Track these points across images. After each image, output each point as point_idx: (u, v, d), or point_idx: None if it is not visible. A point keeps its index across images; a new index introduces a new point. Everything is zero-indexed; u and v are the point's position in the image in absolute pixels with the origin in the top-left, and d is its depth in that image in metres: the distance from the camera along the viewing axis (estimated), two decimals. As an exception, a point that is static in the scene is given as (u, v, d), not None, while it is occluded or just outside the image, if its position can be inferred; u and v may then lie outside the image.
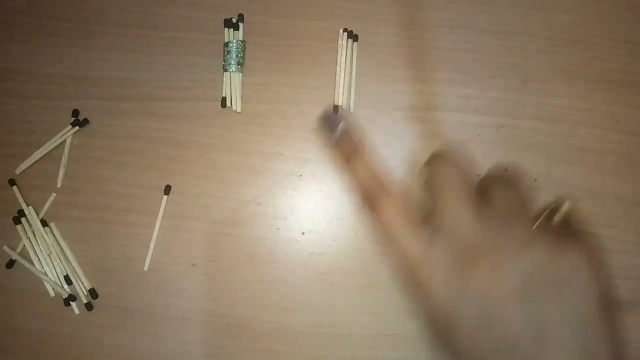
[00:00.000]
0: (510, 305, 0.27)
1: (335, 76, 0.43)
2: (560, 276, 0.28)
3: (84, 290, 0.41)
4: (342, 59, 0.43)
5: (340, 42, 0.43)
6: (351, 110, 0.43)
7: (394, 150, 0.42)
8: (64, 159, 0.43)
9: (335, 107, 0.42)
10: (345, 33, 0.43)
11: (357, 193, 0.33)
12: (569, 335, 0.27)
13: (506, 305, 0.28)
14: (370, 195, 0.33)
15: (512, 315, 0.27)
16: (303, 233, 0.42)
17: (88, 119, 0.43)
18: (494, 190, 0.33)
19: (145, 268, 0.41)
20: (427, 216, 0.33)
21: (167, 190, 0.42)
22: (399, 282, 0.32)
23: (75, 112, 0.43)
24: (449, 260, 0.29)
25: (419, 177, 0.33)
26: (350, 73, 0.43)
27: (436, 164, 0.33)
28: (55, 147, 0.43)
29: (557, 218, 0.34)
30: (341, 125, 0.34)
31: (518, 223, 0.31)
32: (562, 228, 0.34)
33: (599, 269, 0.29)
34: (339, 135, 0.34)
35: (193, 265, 0.41)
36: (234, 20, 0.44)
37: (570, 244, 0.30)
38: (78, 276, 0.42)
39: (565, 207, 0.33)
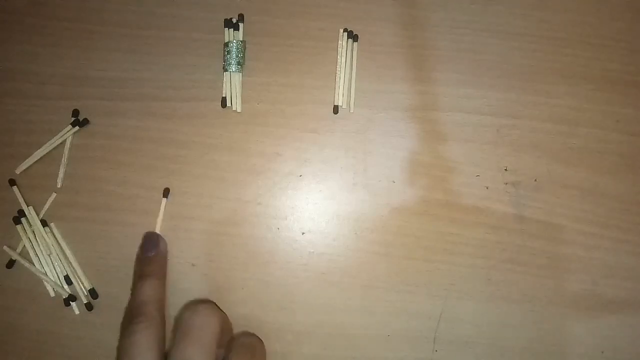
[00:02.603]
0: None
1: (335, 76, 0.43)
2: None
3: (84, 290, 0.41)
4: (342, 59, 0.43)
5: (340, 42, 0.43)
6: (351, 111, 0.43)
7: (394, 150, 0.42)
8: (64, 159, 0.43)
9: (335, 107, 0.42)
10: (346, 33, 0.43)
11: (128, 307, 0.35)
12: None
13: None
14: (136, 314, 0.35)
15: None
16: (303, 233, 0.42)
17: (88, 119, 0.43)
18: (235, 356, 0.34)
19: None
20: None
21: (166, 193, 0.42)
22: None
23: (75, 112, 0.43)
24: None
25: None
26: (350, 73, 0.43)
27: (197, 307, 0.34)
28: (55, 147, 0.43)
29: None
30: (159, 247, 0.38)
31: None
32: None
33: None
34: (151, 255, 0.37)
35: (193, 265, 0.41)
36: (234, 20, 0.44)
37: None
38: (78, 276, 0.42)
39: None
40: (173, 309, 0.41)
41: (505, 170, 0.42)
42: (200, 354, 0.32)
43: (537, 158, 0.41)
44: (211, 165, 0.42)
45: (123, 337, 0.33)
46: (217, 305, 0.35)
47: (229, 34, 0.43)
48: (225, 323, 0.34)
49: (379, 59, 0.43)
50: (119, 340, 0.33)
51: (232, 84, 0.43)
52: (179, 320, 0.35)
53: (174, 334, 0.34)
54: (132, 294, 0.36)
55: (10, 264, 0.42)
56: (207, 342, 0.33)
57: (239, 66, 0.43)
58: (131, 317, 0.34)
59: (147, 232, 0.38)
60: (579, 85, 0.43)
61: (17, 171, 0.43)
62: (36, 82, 0.44)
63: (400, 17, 0.44)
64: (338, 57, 0.43)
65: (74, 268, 0.42)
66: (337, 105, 0.42)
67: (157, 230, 0.41)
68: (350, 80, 0.43)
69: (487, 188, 0.42)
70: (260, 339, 0.37)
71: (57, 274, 0.42)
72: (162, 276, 0.37)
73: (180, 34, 0.44)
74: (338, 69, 0.43)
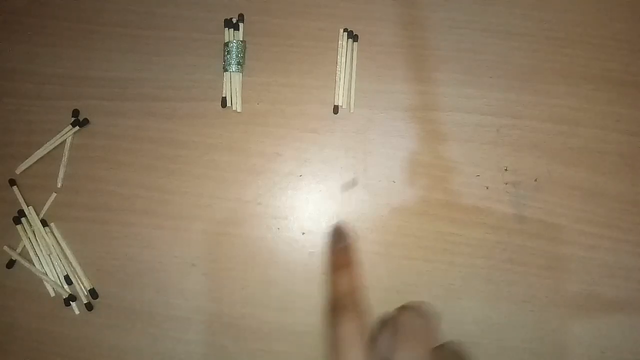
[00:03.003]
0: None
1: (335, 76, 0.43)
2: None
3: (84, 290, 0.41)
4: (342, 59, 0.43)
5: (340, 42, 0.43)
6: (351, 111, 0.43)
7: (394, 150, 0.42)
8: (64, 159, 0.43)
9: (335, 107, 0.42)
10: (346, 33, 0.43)
11: (329, 300, 0.35)
12: None
13: None
14: (340, 306, 0.35)
15: None
16: (303, 233, 0.42)
17: (88, 119, 0.43)
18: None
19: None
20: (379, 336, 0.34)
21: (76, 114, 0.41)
22: None
23: (76, 112, 0.43)
24: None
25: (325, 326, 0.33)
26: (350, 73, 0.43)
27: (342, 317, 0.34)
28: (56, 147, 0.43)
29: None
30: (348, 239, 0.37)
31: None
32: None
33: None
34: (342, 247, 0.37)
35: (193, 265, 0.41)
36: (234, 21, 0.44)
37: None
38: (78, 276, 0.42)
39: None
40: (174, 309, 0.41)
41: (505, 170, 0.42)
42: (425, 357, 0.32)
43: (537, 158, 0.41)
44: (211, 165, 0.42)
45: (332, 326, 0.33)
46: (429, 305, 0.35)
47: (229, 34, 0.43)
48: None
49: (379, 59, 0.43)
50: (327, 331, 0.33)
51: (232, 84, 0.43)
52: (397, 322, 0.34)
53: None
54: (330, 286, 0.36)
55: (11, 264, 0.42)
56: (430, 345, 0.33)
57: (239, 66, 0.43)
58: (336, 309, 0.34)
59: (335, 224, 0.38)
60: (579, 85, 0.43)
61: (17, 171, 0.43)
62: (36, 82, 0.44)
63: (401, 17, 0.44)
64: (338, 57, 0.43)
65: (74, 268, 0.42)
66: (337, 105, 0.42)
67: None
68: (350, 80, 0.43)
69: (487, 188, 0.42)
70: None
71: (57, 274, 0.42)
72: (356, 264, 0.37)
73: (180, 34, 0.44)
74: (338, 69, 0.43)
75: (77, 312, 0.41)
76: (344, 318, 0.33)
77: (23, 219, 0.42)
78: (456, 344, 0.36)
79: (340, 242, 0.38)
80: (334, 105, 0.42)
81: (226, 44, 0.43)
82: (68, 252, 0.42)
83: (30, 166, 0.43)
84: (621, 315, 0.40)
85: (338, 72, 0.42)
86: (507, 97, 0.42)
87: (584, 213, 0.41)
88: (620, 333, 0.40)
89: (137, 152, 0.43)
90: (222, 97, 0.43)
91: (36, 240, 0.42)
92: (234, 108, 0.43)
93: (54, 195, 0.43)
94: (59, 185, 0.43)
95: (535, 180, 0.41)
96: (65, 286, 0.41)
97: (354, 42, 0.43)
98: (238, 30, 0.43)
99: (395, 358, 0.32)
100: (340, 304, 0.34)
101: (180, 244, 0.42)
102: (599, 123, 0.42)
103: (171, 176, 0.42)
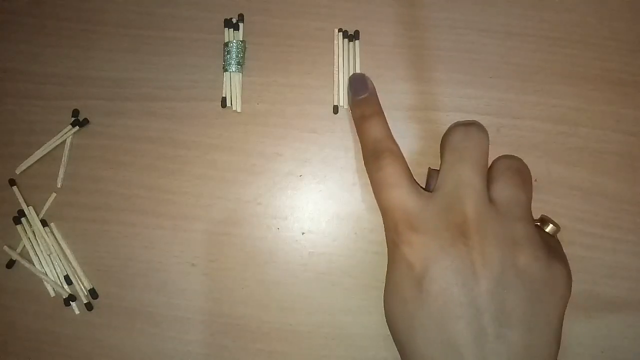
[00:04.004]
0: (484, 289, 0.28)
1: (334, 76, 0.43)
2: (543, 279, 0.29)
3: (84, 290, 0.41)
4: (339, 59, 0.43)
5: (335, 42, 0.43)
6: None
7: (394, 150, 0.42)
8: (64, 159, 0.43)
9: (335, 107, 0.42)
10: (341, 33, 0.43)
11: (365, 151, 0.35)
12: (521, 331, 0.28)
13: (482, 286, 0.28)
14: (378, 151, 0.34)
15: (484, 300, 0.28)
16: (303, 233, 0.42)
17: (88, 119, 0.43)
18: (504, 179, 0.33)
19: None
20: (432, 176, 0.34)
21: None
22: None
23: (76, 112, 0.43)
24: (440, 225, 0.30)
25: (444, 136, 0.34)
26: (351, 73, 0.43)
27: (469, 128, 0.33)
28: (56, 147, 0.43)
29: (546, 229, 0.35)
30: (368, 86, 0.37)
31: (523, 217, 0.31)
32: (551, 239, 0.34)
33: (570, 291, 0.30)
34: (363, 97, 0.37)
35: (193, 265, 0.41)
36: (234, 21, 0.44)
37: (558, 256, 0.31)
38: (78, 276, 0.42)
39: (550, 229, 0.35)
40: (174, 308, 0.41)
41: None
42: (477, 175, 0.31)
43: (537, 158, 0.41)
44: (211, 165, 0.42)
45: (374, 173, 0.33)
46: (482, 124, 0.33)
47: (229, 34, 0.43)
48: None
49: (379, 59, 0.43)
50: (370, 177, 0.34)
51: (232, 84, 0.43)
52: (447, 141, 0.34)
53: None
54: (362, 137, 0.36)
55: (10, 264, 0.42)
56: (483, 164, 0.33)
57: (239, 66, 0.43)
58: (374, 156, 0.34)
59: (352, 75, 0.38)
60: (579, 85, 0.43)
61: (17, 171, 0.43)
62: (36, 82, 0.44)
63: (401, 17, 0.44)
64: (335, 57, 0.43)
65: (74, 268, 0.42)
66: (337, 105, 0.42)
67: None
68: (350, 80, 0.43)
69: (487, 188, 0.41)
70: (524, 163, 0.35)
71: (57, 274, 0.42)
72: (382, 111, 0.37)
73: (180, 34, 0.44)
74: (335, 69, 0.43)
75: (77, 312, 0.41)
76: (384, 162, 0.32)
77: (23, 219, 0.42)
78: (513, 159, 0.36)
79: (362, 92, 0.36)
80: (334, 105, 0.42)
81: (226, 44, 0.43)
82: (68, 252, 0.42)
83: (30, 166, 0.43)
84: (621, 315, 0.40)
85: (336, 73, 0.42)
86: (507, 97, 0.42)
87: (584, 213, 0.41)
88: (620, 333, 0.40)
89: (137, 152, 0.43)
90: (222, 97, 0.43)
91: (36, 240, 0.42)
92: (234, 108, 0.43)
93: (54, 195, 0.43)
94: (59, 185, 0.43)
95: (535, 180, 0.41)
96: (65, 286, 0.42)
97: (354, 42, 0.43)
98: (238, 30, 0.43)
99: (446, 177, 0.31)
100: (377, 150, 0.34)
101: (180, 244, 0.42)
102: (599, 123, 0.42)
103: (171, 176, 0.42)
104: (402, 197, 0.32)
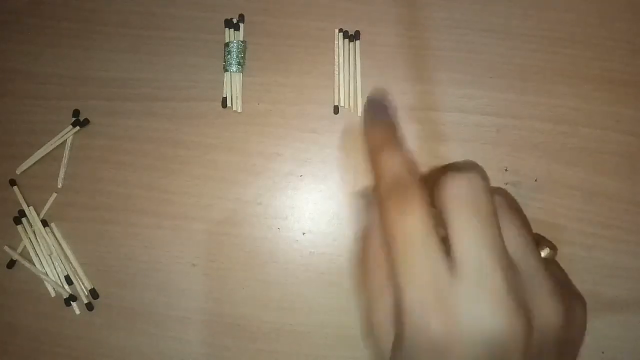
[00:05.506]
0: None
1: (334, 76, 0.43)
2: (567, 336, 0.25)
3: (84, 290, 0.41)
4: (339, 59, 0.43)
5: (336, 42, 0.43)
6: (359, 114, 0.42)
7: (394, 150, 0.42)
8: (65, 159, 0.43)
9: (336, 107, 0.42)
10: (341, 33, 0.43)
11: (382, 190, 0.27)
12: None
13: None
14: (401, 190, 0.26)
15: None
16: (303, 233, 0.42)
17: (88, 119, 0.43)
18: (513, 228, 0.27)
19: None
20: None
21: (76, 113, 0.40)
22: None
23: (76, 112, 0.43)
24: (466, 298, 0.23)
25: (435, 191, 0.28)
26: (354, 74, 0.43)
27: (407, 206, 0.26)
28: (56, 147, 0.43)
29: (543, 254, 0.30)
30: (391, 111, 0.29)
31: (533, 255, 0.26)
32: (560, 273, 0.30)
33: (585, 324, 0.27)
34: (385, 121, 0.29)
35: (193, 265, 0.41)
36: (235, 21, 0.44)
37: (574, 295, 0.26)
38: (79, 276, 0.42)
39: (546, 254, 0.30)
40: (174, 308, 0.41)
41: (506, 170, 0.42)
42: (497, 247, 0.24)
43: (537, 158, 0.41)
44: (211, 165, 0.42)
45: (399, 219, 0.24)
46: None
47: (229, 34, 0.43)
48: None
49: (379, 59, 0.43)
50: (387, 218, 0.26)
51: (233, 84, 0.43)
52: (451, 196, 0.26)
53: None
54: (381, 170, 0.28)
55: (11, 264, 0.42)
56: (494, 215, 0.25)
57: (240, 66, 0.43)
58: (398, 195, 0.26)
59: (370, 96, 0.29)
60: (579, 85, 0.42)
61: (18, 171, 0.43)
62: (36, 82, 0.44)
63: (401, 17, 0.44)
64: (335, 57, 0.43)
65: (74, 268, 0.42)
66: (337, 105, 0.42)
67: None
68: (355, 81, 0.43)
69: (487, 188, 0.41)
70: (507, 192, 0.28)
71: (57, 274, 0.42)
72: (401, 136, 0.28)
73: (181, 34, 0.44)
74: (336, 69, 0.43)
75: (77, 312, 0.41)
76: (411, 207, 0.24)
77: (23, 219, 0.42)
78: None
79: (381, 115, 0.28)
80: (334, 105, 0.42)
81: (227, 44, 0.43)
82: (68, 252, 0.42)
83: (31, 166, 0.43)
84: (621, 315, 0.40)
85: (336, 73, 0.42)
86: (507, 97, 0.42)
87: (584, 213, 0.41)
88: (620, 333, 0.40)
89: (137, 152, 0.43)
90: (223, 97, 0.43)
91: (37, 240, 0.42)
92: (234, 108, 0.43)
93: (54, 195, 0.43)
94: (60, 185, 0.43)
95: (535, 180, 0.41)
96: (66, 286, 0.42)
97: (355, 42, 0.43)
98: (238, 30, 0.43)
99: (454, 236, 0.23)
100: (400, 188, 0.25)
101: (181, 244, 0.42)
102: (599, 123, 0.42)
103: (171, 176, 0.42)
104: (431, 266, 0.24)
